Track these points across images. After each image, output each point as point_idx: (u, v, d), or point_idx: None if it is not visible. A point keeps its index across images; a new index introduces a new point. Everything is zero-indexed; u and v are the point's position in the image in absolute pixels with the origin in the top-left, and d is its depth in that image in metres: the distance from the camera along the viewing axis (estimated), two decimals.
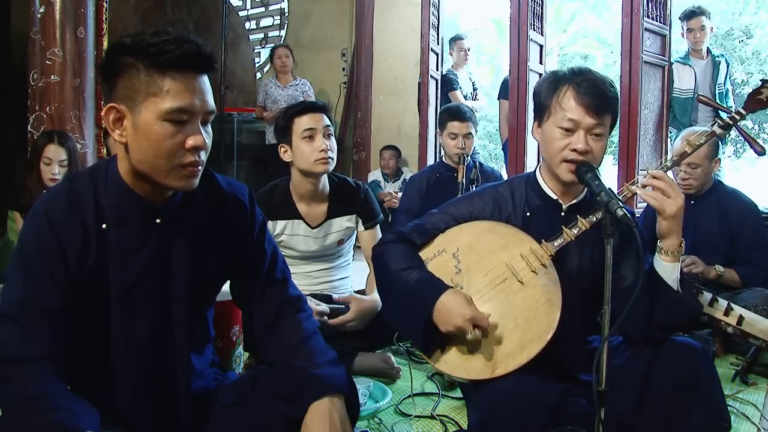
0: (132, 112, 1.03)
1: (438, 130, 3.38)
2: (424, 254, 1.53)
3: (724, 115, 1.54)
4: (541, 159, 1.54)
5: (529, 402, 1.26)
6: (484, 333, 1.35)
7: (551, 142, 1.43)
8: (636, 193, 1.41)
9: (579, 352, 1.47)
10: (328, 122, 2.15)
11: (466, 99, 4.84)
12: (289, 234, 2.19)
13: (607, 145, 1.45)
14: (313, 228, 2.20)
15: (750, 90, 1.60)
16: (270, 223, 2.17)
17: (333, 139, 2.15)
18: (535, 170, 1.55)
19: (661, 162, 1.51)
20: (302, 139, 2.09)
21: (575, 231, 1.41)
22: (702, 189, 2.58)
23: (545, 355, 1.34)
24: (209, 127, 1.10)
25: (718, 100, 3.96)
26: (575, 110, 1.38)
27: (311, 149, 2.08)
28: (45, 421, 0.94)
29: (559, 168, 1.42)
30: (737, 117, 1.53)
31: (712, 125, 1.51)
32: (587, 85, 1.38)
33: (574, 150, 1.38)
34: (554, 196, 1.49)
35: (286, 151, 2.16)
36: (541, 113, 1.48)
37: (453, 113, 3.01)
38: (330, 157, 2.11)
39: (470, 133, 2.95)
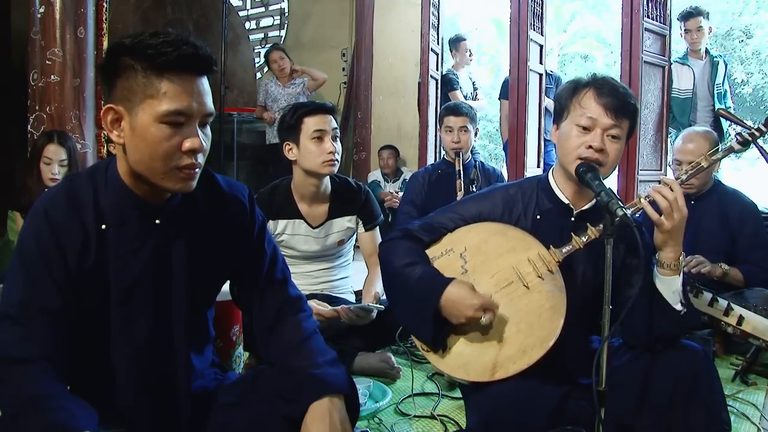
0: (129, 113, 1.03)
1: (438, 128, 3.42)
2: (431, 252, 1.52)
3: (743, 131, 1.53)
4: (555, 162, 1.54)
5: (529, 405, 1.26)
6: (494, 317, 1.35)
7: (567, 139, 1.43)
8: (649, 202, 1.40)
9: (580, 357, 1.47)
10: (336, 125, 2.15)
11: (466, 99, 4.84)
12: (289, 234, 2.19)
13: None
14: (313, 228, 2.20)
15: (751, 90, 1.60)
16: (271, 223, 2.17)
17: (338, 141, 2.16)
18: (547, 173, 1.55)
19: (676, 176, 1.50)
20: (311, 140, 2.10)
21: (584, 239, 1.41)
22: (703, 188, 2.58)
23: (546, 359, 1.34)
24: (208, 129, 1.10)
25: (716, 101, 3.97)
26: (594, 109, 1.39)
27: (320, 150, 2.09)
28: (43, 422, 0.94)
29: (572, 165, 1.42)
30: (757, 134, 1.51)
31: (731, 141, 1.51)
32: (609, 88, 1.40)
33: (590, 147, 1.38)
34: (566, 201, 1.49)
35: (291, 149, 2.15)
36: (560, 114, 1.48)
37: (449, 108, 3.10)
38: (337, 159, 2.12)
39: (466, 127, 2.98)
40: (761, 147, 1.59)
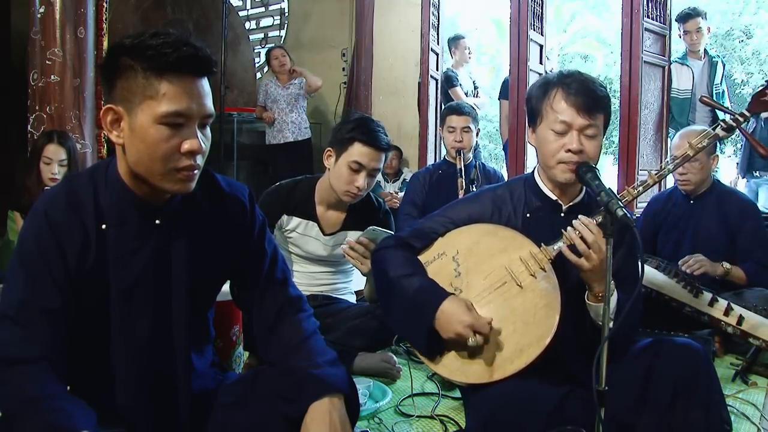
0: (129, 114, 1.03)
1: (439, 128, 3.42)
2: (423, 257, 1.53)
3: (727, 117, 1.53)
4: (537, 161, 1.55)
5: (528, 405, 1.26)
6: (485, 338, 1.35)
7: (545, 144, 1.43)
8: (635, 197, 1.42)
9: (579, 355, 1.47)
10: (381, 165, 2.08)
11: (467, 96, 4.85)
12: (300, 233, 2.19)
13: (606, 145, 1.46)
14: (325, 235, 2.19)
15: (751, 90, 1.60)
16: (285, 217, 2.17)
17: (375, 178, 2.12)
18: (533, 172, 1.55)
19: (662, 165, 1.50)
20: (348, 166, 2.04)
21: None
22: (700, 187, 2.58)
23: (545, 358, 1.34)
24: (208, 131, 1.10)
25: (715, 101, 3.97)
26: (566, 111, 1.39)
27: (348, 180, 2.04)
28: (42, 422, 0.95)
29: (555, 169, 1.43)
30: (741, 119, 1.51)
31: (715, 127, 1.51)
32: (577, 86, 1.39)
33: (569, 150, 1.39)
34: (553, 197, 1.49)
35: (330, 156, 2.11)
36: (534, 118, 1.49)
37: (452, 108, 3.11)
38: (360, 195, 2.09)
39: (468, 127, 2.98)
40: (746, 133, 1.59)
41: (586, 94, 1.39)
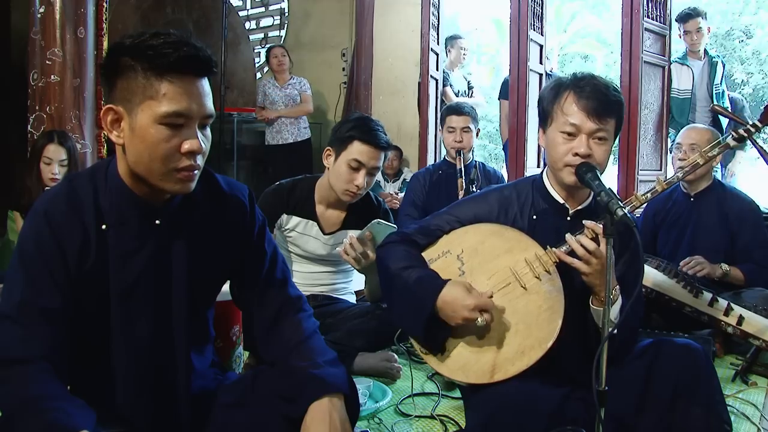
0: (129, 114, 1.03)
1: (439, 128, 3.42)
2: (428, 255, 1.52)
3: (739, 127, 1.53)
4: (546, 163, 1.55)
5: (529, 406, 1.26)
6: (491, 316, 1.35)
7: (554, 147, 1.43)
8: (643, 204, 1.42)
9: (581, 358, 1.46)
10: (381, 164, 2.09)
11: (458, 96, 4.86)
12: (300, 232, 2.19)
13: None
14: (325, 234, 2.19)
15: (751, 91, 1.61)
16: (284, 216, 2.17)
17: (375, 177, 2.12)
18: (541, 174, 1.55)
19: (671, 177, 1.51)
20: (347, 164, 2.04)
21: None
22: (701, 181, 2.59)
23: (546, 361, 1.34)
24: (208, 131, 1.10)
25: (714, 101, 3.97)
26: (576, 115, 1.39)
27: (348, 179, 2.05)
28: (41, 422, 0.95)
29: (562, 172, 1.42)
30: (753, 130, 1.51)
31: (726, 137, 1.52)
32: (589, 90, 1.38)
33: (577, 154, 1.38)
34: (561, 200, 1.49)
35: (329, 156, 2.11)
36: (544, 120, 1.48)
37: (452, 108, 3.10)
38: (360, 194, 2.09)
39: (468, 128, 2.98)
40: (757, 143, 1.60)
41: (598, 99, 1.37)
